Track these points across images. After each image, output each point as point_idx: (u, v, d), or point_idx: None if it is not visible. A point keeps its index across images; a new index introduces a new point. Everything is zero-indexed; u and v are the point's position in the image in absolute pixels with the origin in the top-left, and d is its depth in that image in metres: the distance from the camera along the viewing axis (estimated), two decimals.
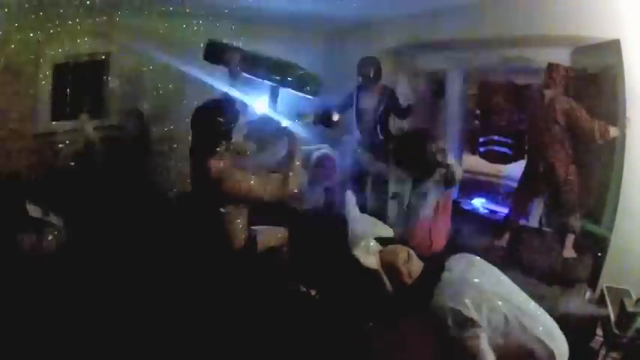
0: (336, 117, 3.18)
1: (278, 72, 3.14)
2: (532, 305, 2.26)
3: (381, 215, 3.79)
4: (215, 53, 3.47)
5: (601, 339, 3.07)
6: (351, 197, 2.66)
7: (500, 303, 2.14)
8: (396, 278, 2.28)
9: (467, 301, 2.09)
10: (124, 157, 4.22)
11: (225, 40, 3.62)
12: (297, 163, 2.75)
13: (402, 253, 2.31)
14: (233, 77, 3.40)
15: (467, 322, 2.06)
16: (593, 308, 3.18)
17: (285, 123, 2.83)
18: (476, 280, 2.20)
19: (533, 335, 2.10)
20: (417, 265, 2.30)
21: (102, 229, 3.60)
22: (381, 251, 2.38)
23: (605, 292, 3.15)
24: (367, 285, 2.37)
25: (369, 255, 2.34)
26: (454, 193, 4.91)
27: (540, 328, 2.12)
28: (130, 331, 2.91)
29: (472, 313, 2.06)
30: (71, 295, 3.11)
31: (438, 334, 2.19)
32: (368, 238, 2.47)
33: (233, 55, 3.33)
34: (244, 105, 3.19)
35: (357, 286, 2.52)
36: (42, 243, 3.34)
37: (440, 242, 3.39)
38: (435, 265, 2.31)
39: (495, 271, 2.34)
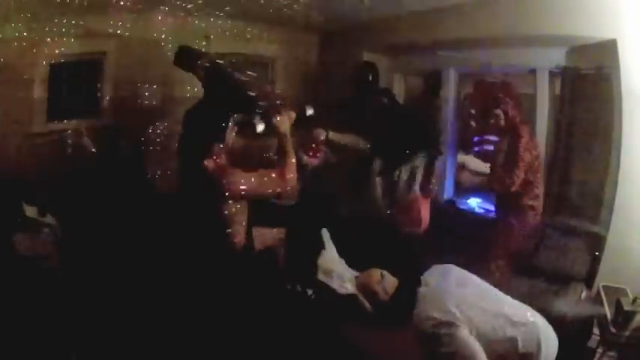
0: (310, 111, 3.12)
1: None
2: (513, 304, 2.31)
3: (366, 194, 3.84)
4: (184, 62, 3.43)
5: (598, 338, 3.09)
6: (325, 234, 2.73)
7: (479, 309, 2.19)
8: (374, 298, 2.39)
9: (446, 309, 2.14)
10: (120, 156, 4.21)
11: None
12: (291, 157, 2.75)
13: (375, 274, 2.45)
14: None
15: (444, 324, 2.11)
16: (589, 307, 3.20)
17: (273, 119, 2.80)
18: (452, 290, 2.26)
19: (517, 335, 2.13)
20: (391, 283, 2.41)
21: (99, 228, 3.59)
22: (356, 277, 2.50)
23: (602, 291, 3.17)
24: (347, 309, 2.45)
25: (344, 283, 2.43)
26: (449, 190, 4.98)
27: (524, 326, 2.17)
28: (127, 330, 2.91)
29: (449, 317, 2.11)
30: (68, 295, 3.10)
31: (423, 349, 2.24)
32: (340, 269, 2.56)
33: (198, 72, 3.31)
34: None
35: (338, 312, 2.60)
36: (38, 243, 3.32)
37: (427, 221, 3.49)
38: (409, 279, 2.41)
39: (472, 278, 2.40)
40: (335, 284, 2.44)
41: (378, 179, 3.78)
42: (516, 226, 3.52)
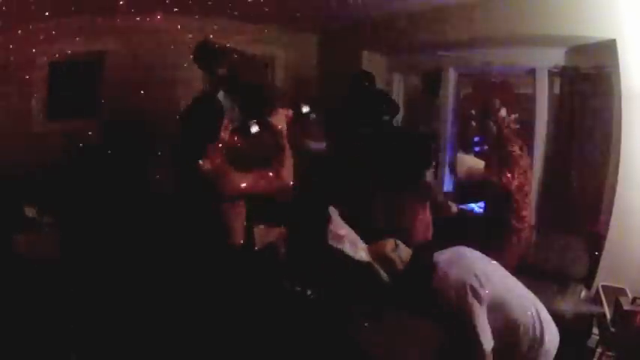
0: (305, 108, 3.13)
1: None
2: (522, 288, 2.34)
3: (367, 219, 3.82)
4: (204, 58, 3.41)
5: (597, 337, 3.09)
6: (334, 211, 2.71)
7: (501, 281, 2.23)
8: (389, 267, 2.35)
9: (473, 272, 2.16)
10: (120, 156, 4.21)
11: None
12: (287, 155, 2.75)
13: (389, 242, 2.41)
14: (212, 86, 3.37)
15: (473, 295, 2.11)
16: (589, 307, 3.21)
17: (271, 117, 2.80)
18: (474, 259, 2.29)
19: (524, 315, 2.16)
20: (406, 252, 2.38)
21: (99, 228, 3.59)
22: (369, 247, 2.44)
23: (601, 291, 3.17)
24: (363, 278, 2.42)
25: (358, 250, 2.39)
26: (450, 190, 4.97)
27: (532, 308, 2.20)
28: (127, 329, 2.91)
29: (476, 282, 2.12)
30: (68, 295, 3.10)
31: (439, 313, 2.24)
32: (352, 236, 2.53)
33: (220, 71, 3.29)
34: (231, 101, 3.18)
35: (353, 280, 2.57)
36: (38, 243, 3.32)
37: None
38: (424, 249, 2.41)
39: (485, 257, 2.41)
40: (349, 250, 2.40)
41: (379, 205, 3.77)
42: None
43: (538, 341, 2.14)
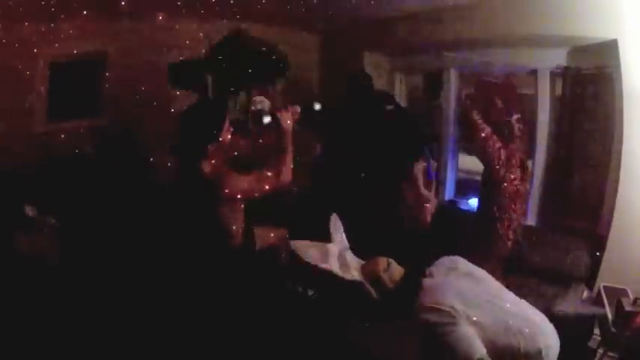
0: (317, 106, 3.14)
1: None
2: (516, 302, 2.31)
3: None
4: (182, 78, 3.43)
5: (599, 338, 3.08)
6: (336, 221, 2.71)
7: (483, 304, 2.19)
8: (380, 286, 2.36)
9: (448, 302, 2.14)
10: (120, 156, 4.21)
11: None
12: (289, 154, 2.75)
13: (381, 262, 2.42)
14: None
15: (445, 315, 2.10)
16: (590, 308, 3.20)
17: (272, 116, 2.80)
18: (457, 283, 2.27)
19: (518, 333, 2.12)
20: (397, 271, 2.39)
21: (99, 228, 3.59)
22: (362, 265, 2.47)
23: (603, 292, 3.17)
24: (353, 296, 2.44)
25: (350, 269, 2.41)
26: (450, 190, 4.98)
27: (526, 325, 2.16)
28: (127, 329, 2.91)
29: (450, 311, 2.11)
30: (68, 294, 3.10)
31: (422, 339, 2.24)
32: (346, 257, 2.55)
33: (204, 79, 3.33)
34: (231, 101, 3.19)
35: (345, 297, 2.59)
36: (38, 243, 3.32)
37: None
38: (415, 269, 2.40)
39: (478, 271, 2.40)
40: (340, 271, 2.42)
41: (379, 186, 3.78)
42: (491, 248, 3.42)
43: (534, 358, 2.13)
